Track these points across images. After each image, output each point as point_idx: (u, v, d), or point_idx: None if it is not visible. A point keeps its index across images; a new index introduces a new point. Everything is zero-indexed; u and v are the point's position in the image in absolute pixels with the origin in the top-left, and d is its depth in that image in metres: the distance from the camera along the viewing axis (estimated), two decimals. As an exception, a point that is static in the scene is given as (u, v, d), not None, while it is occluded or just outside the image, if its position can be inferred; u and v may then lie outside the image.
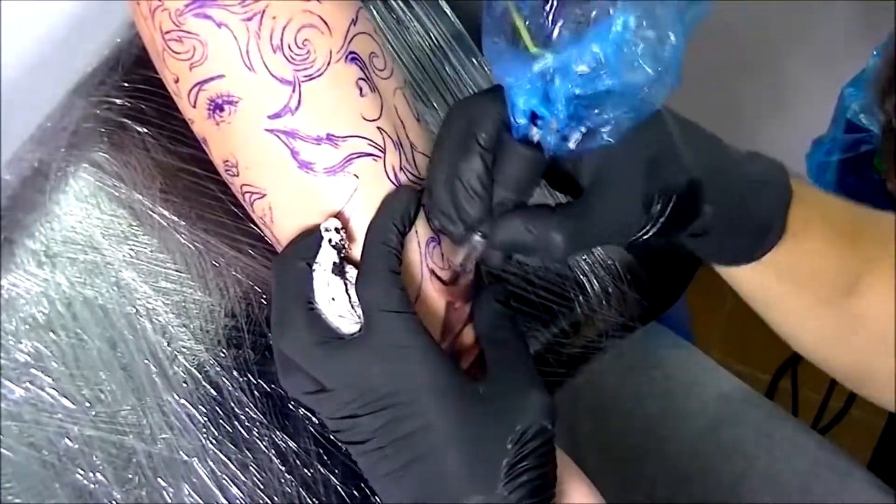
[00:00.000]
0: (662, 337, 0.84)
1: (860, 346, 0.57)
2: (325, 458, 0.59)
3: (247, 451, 0.58)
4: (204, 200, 0.59)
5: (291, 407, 0.59)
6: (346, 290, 0.47)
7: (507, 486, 0.44)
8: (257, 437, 0.58)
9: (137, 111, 0.60)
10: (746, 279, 0.55)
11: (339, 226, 0.48)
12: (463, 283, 0.51)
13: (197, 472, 0.58)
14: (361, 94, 0.49)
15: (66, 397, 0.58)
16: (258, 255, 0.59)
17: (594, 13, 0.40)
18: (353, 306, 0.47)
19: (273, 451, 0.58)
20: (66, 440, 0.58)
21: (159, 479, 0.58)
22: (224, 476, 0.58)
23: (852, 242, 0.54)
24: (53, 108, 0.63)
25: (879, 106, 0.97)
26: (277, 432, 0.58)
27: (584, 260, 0.66)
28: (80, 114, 0.61)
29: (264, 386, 0.59)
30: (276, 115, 0.48)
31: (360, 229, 0.49)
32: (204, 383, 0.59)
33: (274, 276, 0.49)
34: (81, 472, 0.58)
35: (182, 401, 0.58)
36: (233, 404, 0.59)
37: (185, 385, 0.59)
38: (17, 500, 0.58)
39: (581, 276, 0.66)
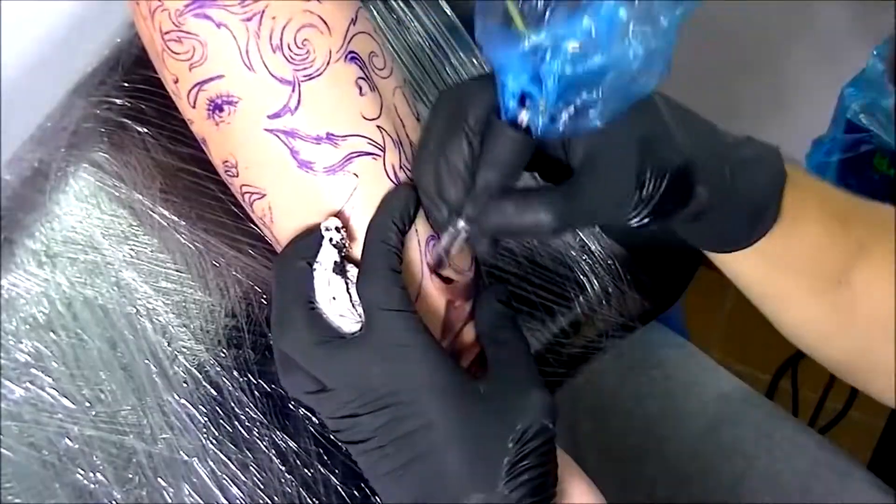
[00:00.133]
0: (662, 337, 0.84)
1: (854, 334, 0.56)
2: (326, 458, 0.59)
3: (247, 451, 0.58)
4: (204, 200, 0.59)
5: (291, 407, 0.59)
6: (347, 289, 0.47)
7: (508, 485, 0.44)
8: (257, 437, 0.58)
9: (137, 111, 0.60)
10: (742, 267, 0.55)
11: (340, 225, 0.48)
12: (463, 281, 0.51)
13: (197, 472, 0.58)
14: (361, 94, 0.49)
15: (66, 397, 0.58)
16: (258, 255, 0.59)
17: None
18: (353, 305, 0.47)
19: (273, 451, 0.58)
20: (67, 440, 0.58)
21: (159, 479, 0.58)
22: (224, 476, 0.58)
23: (846, 228, 0.54)
24: (53, 108, 0.63)
25: (893, 83, 0.97)
26: (277, 432, 0.58)
27: (585, 260, 0.66)
28: (80, 114, 0.61)
29: (264, 386, 0.59)
30: (276, 115, 0.48)
31: (360, 228, 0.49)
32: (204, 383, 0.59)
33: (274, 275, 0.49)
34: (82, 472, 0.58)
35: (182, 401, 0.58)
36: (233, 404, 0.59)
37: (185, 385, 0.59)
38: (17, 500, 0.58)
39: (581, 276, 0.66)
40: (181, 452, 0.58)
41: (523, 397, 0.46)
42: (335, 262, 0.47)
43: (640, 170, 0.45)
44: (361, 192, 0.49)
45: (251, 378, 0.59)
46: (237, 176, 0.51)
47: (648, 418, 0.79)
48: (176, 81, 0.50)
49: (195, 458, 0.58)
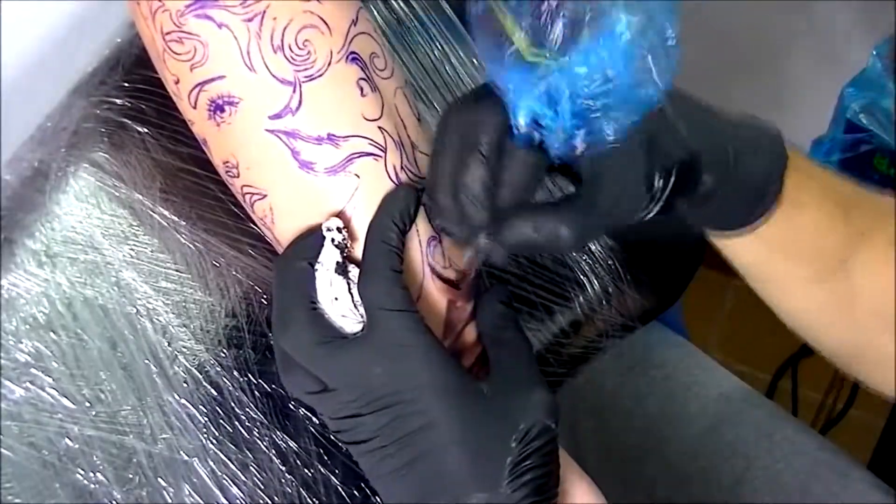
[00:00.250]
0: (662, 337, 0.84)
1: (854, 324, 0.57)
2: (326, 458, 0.59)
3: (247, 451, 0.58)
4: (204, 200, 0.59)
5: (292, 407, 0.59)
6: (349, 289, 0.47)
7: (511, 485, 0.44)
8: (258, 437, 0.58)
9: (138, 111, 0.60)
10: (743, 252, 0.55)
11: (341, 225, 0.48)
12: (464, 281, 0.51)
13: (197, 472, 0.58)
14: (362, 94, 0.49)
15: (66, 397, 0.58)
16: (259, 256, 0.59)
17: (591, 13, 0.40)
18: (355, 305, 0.47)
19: (273, 451, 0.58)
20: (67, 440, 0.58)
21: (160, 479, 0.58)
22: (224, 476, 0.58)
23: (847, 215, 0.54)
24: (53, 108, 0.63)
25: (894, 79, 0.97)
26: (278, 432, 0.58)
27: (585, 260, 0.66)
28: (81, 114, 0.61)
29: (265, 386, 0.59)
30: (277, 116, 0.48)
31: (361, 229, 0.49)
32: (204, 383, 0.59)
33: (275, 275, 0.49)
34: (82, 472, 0.58)
35: (182, 401, 0.58)
36: (233, 404, 0.59)
37: (185, 385, 0.59)
38: (17, 500, 0.58)
39: (581, 276, 0.66)
40: (181, 452, 0.58)
41: (526, 397, 0.46)
42: (337, 263, 0.47)
43: (648, 171, 0.45)
44: (362, 192, 0.49)
45: (251, 378, 0.59)
46: (238, 176, 0.51)
47: (648, 418, 0.79)
48: (177, 82, 0.50)
49: (195, 458, 0.58)
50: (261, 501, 0.58)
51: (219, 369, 0.59)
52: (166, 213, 0.59)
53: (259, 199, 0.51)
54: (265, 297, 0.59)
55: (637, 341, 0.72)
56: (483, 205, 0.45)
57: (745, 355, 1.39)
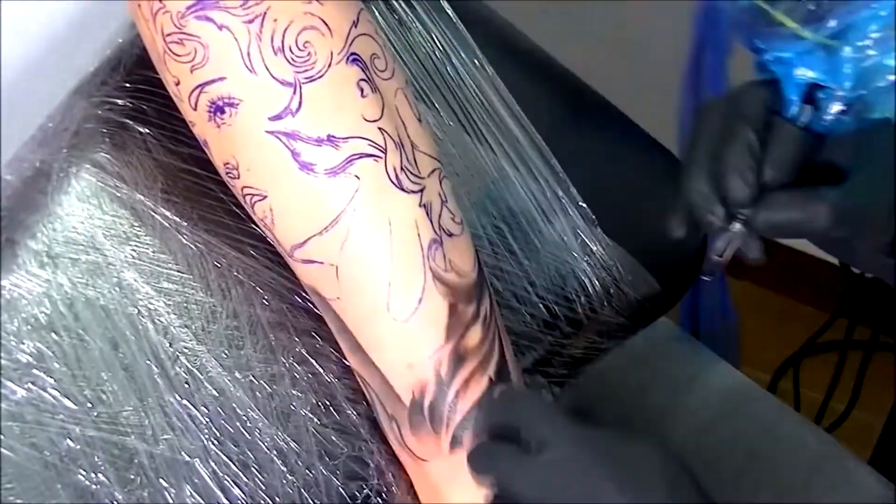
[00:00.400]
0: (664, 330, 0.84)
1: None
2: (327, 458, 0.59)
3: (248, 452, 0.58)
4: (206, 201, 0.59)
5: (293, 407, 0.59)
6: None
7: None
8: (259, 438, 0.58)
9: (139, 111, 0.60)
10: None
11: None
12: (466, 284, 0.51)
13: (199, 473, 0.58)
14: (363, 95, 0.49)
15: (67, 398, 0.58)
16: (260, 256, 0.59)
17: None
18: None
19: (275, 452, 0.58)
20: (68, 441, 0.58)
21: (161, 480, 0.58)
22: (226, 476, 0.58)
23: None
24: (55, 109, 0.63)
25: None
26: (279, 433, 0.58)
27: (586, 260, 0.66)
28: (82, 114, 0.61)
29: (266, 387, 0.59)
30: (277, 117, 0.48)
31: (361, 229, 0.49)
32: (206, 384, 0.59)
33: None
34: (83, 473, 0.58)
35: (184, 401, 0.58)
36: (234, 405, 0.59)
37: (186, 386, 0.59)
38: (18, 501, 0.58)
39: (582, 277, 0.66)
40: (183, 453, 0.58)
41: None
42: None
43: None
44: (363, 194, 0.49)
45: (253, 379, 0.59)
46: (238, 178, 0.51)
47: (650, 411, 0.79)
48: (177, 83, 0.50)
49: (197, 459, 0.58)
50: (262, 502, 0.58)
51: (220, 370, 0.59)
52: (168, 213, 0.59)
53: (259, 200, 0.51)
54: (266, 297, 0.59)
55: (640, 335, 0.72)
56: (748, 180, 0.45)
57: (745, 355, 1.39)
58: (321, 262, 0.50)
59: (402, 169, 0.50)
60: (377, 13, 0.64)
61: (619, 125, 0.73)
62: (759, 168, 0.45)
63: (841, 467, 0.73)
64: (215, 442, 0.58)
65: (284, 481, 0.58)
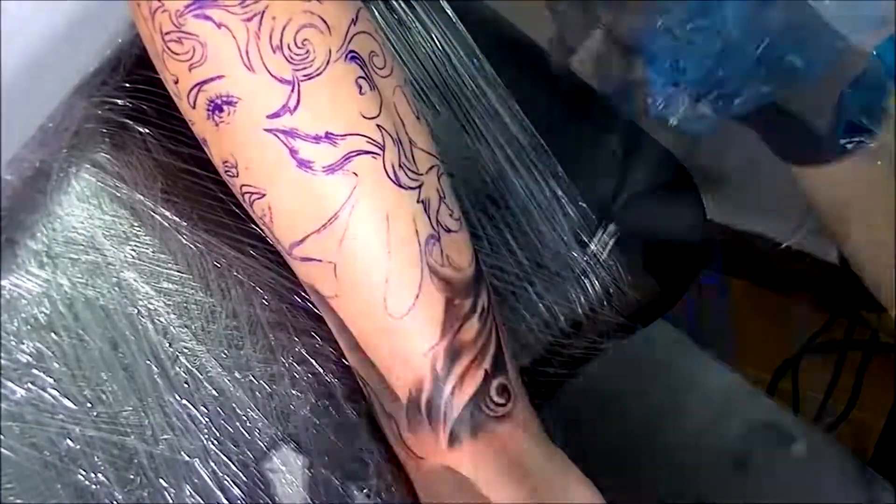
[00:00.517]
0: (664, 334, 0.84)
1: None
2: (327, 458, 0.59)
3: (248, 452, 0.58)
4: (205, 201, 0.59)
5: (293, 407, 0.59)
6: None
7: None
8: (258, 438, 0.58)
9: (139, 111, 0.60)
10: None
11: None
12: (462, 278, 0.51)
13: (198, 473, 0.58)
14: (361, 93, 0.49)
15: (67, 398, 0.58)
16: (260, 256, 0.59)
17: None
18: None
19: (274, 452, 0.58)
20: (68, 441, 0.58)
21: (161, 480, 0.58)
22: (225, 476, 0.58)
23: None
24: (54, 109, 0.63)
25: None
26: (279, 433, 0.58)
27: (585, 260, 0.66)
28: (82, 114, 0.61)
29: (266, 387, 0.59)
30: (275, 115, 0.48)
31: (361, 227, 0.49)
32: (205, 384, 0.59)
33: None
34: (83, 473, 0.58)
35: (184, 401, 0.58)
36: (234, 405, 0.59)
37: (186, 385, 0.59)
38: (17, 501, 0.58)
39: (582, 276, 0.66)
40: (182, 453, 0.58)
41: None
42: None
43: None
44: (361, 190, 0.49)
45: (253, 379, 0.59)
46: (237, 176, 0.51)
47: (648, 414, 0.79)
48: (176, 82, 0.50)
49: (196, 459, 0.58)
50: (261, 502, 0.58)
51: (220, 370, 0.59)
52: (167, 213, 0.59)
53: (258, 199, 0.51)
54: (266, 297, 0.59)
55: (638, 339, 0.72)
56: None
57: (745, 355, 1.39)
58: (320, 260, 0.50)
59: (400, 166, 0.50)
60: (376, 13, 0.64)
61: (619, 125, 0.73)
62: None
63: (840, 469, 0.73)
64: (215, 442, 0.58)
65: (284, 481, 0.58)
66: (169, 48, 0.49)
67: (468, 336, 0.52)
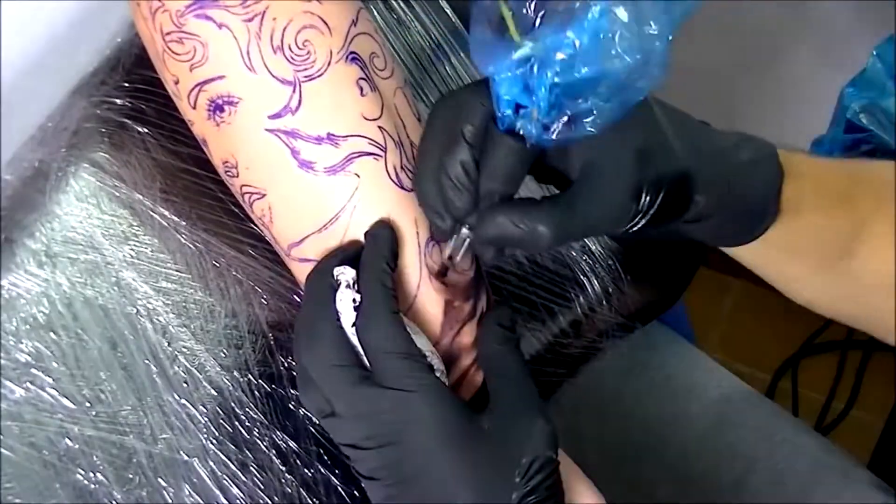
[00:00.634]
0: (663, 337, 0.84)
1: (859, 299, 0.57)
2: (326, 458, 0.59)
3: (247, 452, 0.58)
4: (204, 201, 0.59)
5: (292, 407, 0.59)
6: None
7: None
8: (258, 438, 0.58)
9: (138, 111, 0.60)
10: (747, 255, 0.55)
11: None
12: (462, 281, 0.51)
13: (197, 473, 0.58)
14: (362, 94, 0.49)
15: (66, 397, 0.58)
16: (258, 256, 0.59)
17: (577, 4, 0.40)
18: None
19: (273, 452, 0.58)
20: (67, 440, 0.58)
21: (160, 480, 0.58)
22: (224, 476, 0.58)
23: (846, 206, 0.54)
24: (54, 109, 0.63)
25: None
26: (278, 432, 0.58)
27: (585, 260, 0.66)
28: (81, 114, 0.61)
29: (265, 386, 0.59)
30: (277, 116, 0.48)
31: (360, 228, 0.49)
32: (204, 383, 0.59)
33: (306, 287, 0.48)
34: (82, 472, 0.58)
35: (182, 401, 0.58)
36: (233, 404, 0.59)
37: (185, 385, 0.59)
38: (17, 500, 0.58)
39: (581, 276, 0.66)
40: (181, 452, 0.58)
41: (527, 429, 0.46)
42: (354, 300, 0.47)
43: (636, 183, 0.45)
44: (362, 192, 0.49)
45: (251, 378, 0.59)
46: (237, 176, 0.51)
47: (649, 419, 0.79)
48: (176, 82, 0.50)
49: (195, 459, 0.58)
50: (261, 502, 0.58)
51: (219, 369, 0.59)
52: (166, 213, 0.59)
53: (258, 199, 0.51)
54: (265, 297, 0.59)
55: (638, 342, 0.72)
56: (466, 189, 0.45)
57: (745, 355, 1.39)
58: (318, 261, 0.50)
59: (401, 167, 0.50)
60: (376, 13, 0.64)
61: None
62: (478, 179, 0.45)
63: (840, 473, 0.73)
64: (214, 441, 0.58)
65: (283, 481, 0.58)
66: (170, 48, 0.49)
67: (467, 339, 0.52)
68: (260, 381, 0.59)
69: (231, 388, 0.59)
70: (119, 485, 0.58)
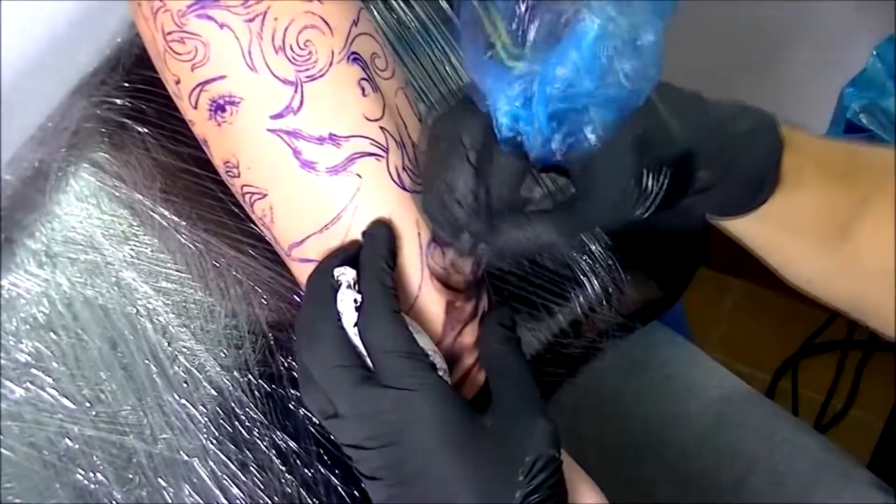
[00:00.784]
0: (663, 337, 0.84)
1: (858, 281, 0.56)
2: (326, 458, 0.59)
3: (247, 452, 0.58)
4: (204, 201, 0.59)
5: (292, 407, 0.59)
6: None
7: None
8: (258, 438, 0.58)
9: (138, 111, 0.60)
10: (744, 229, 0.55)
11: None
12: (463, 281, 0.51)
13: (197, 473, 0.58)
14: (363, 94, 0.49)
15: (66, 397, 0.58)
16: (259, 256, 0.59)
17: (568, 14, 0.40)
18: None
19: (273, 452, 0.58)
20: (67, 440, 0.58)
21: (160, 480, 0.58)
22: (224, 476, 0.58)
23: (846, 184, 0.54)
24: (54, 109, 0.63)
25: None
26: (278, 432, 0.58)
27: (584, 260, 0.66)
28: (81, 114, 0.61)
29: (265, 386, 0.59)
30: (278, 116, 0.48)
31: (361, 227, 0.49)
32: (204, 383, 0.59)
33: (307, 287, 0.48)
34: (82, 472, 0.58)
35: (182, 401, 0.58)
36: (233, 404, 0.59)
37: (185, 385, 0.59)
38: (17, 500, 0.58)
39: (581, 276, 0.66)
40: (181, 452, 0.58)
41: (529, 428, 0.46)
42: (355, 300, 0.47)
43: (637, 171, 0.45)
44: (364, 192, 0.49)
45: (251, 378, 0.59)
46: (238, 176, 0.51)
47: (649, 419, 0.79)
48: (178, 82, 0.50)
49: (195, 459, 0.58)
50: (261, 502, 0.58)
51: (219, 369, 0.59)
52: (166, 213, 0.59)
53: (259, 199, 0.51)
54: (265, 297, 0.59)
55: (638, 341, 0.71)
56: (472, 208, 0.45)
57: (745, 355, 1.39)
58: (319, 261, 0.50)
59: (403, 168, 0.50)
60: (376, 13, 0.64)
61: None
62: (482, 190, 0.45)
63: (840, 473, 0.73)
64: (214, 441, 0.58)
65: (283, 481, 0.58)
66: (171, 48, 0.49)
67: (469, 339, 0.52)
68: (260, 381, 0.59)
69: (231, 388, 0.59)
70: (119, 485, 0.58)
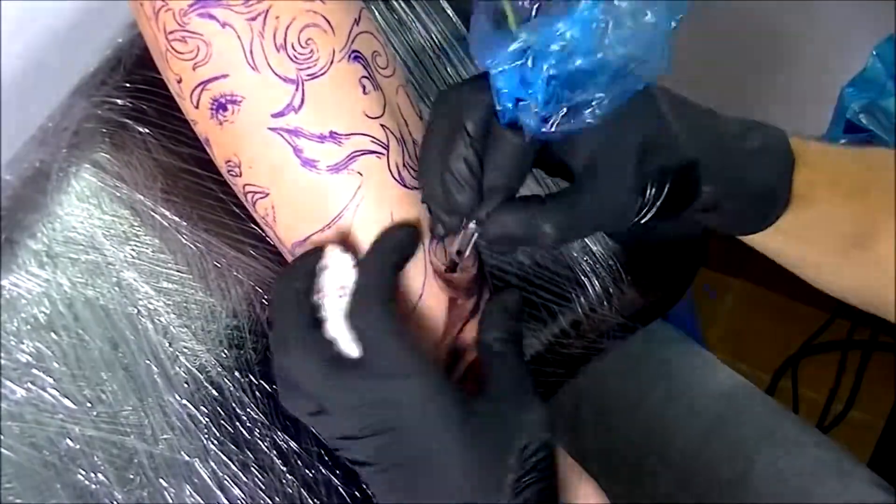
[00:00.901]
0: (665, 334, 0.84)
1: (878, 286, 0.56)
2: (327, 458, 0.59)
3: (248, 452, 0.58)
4: (206, 201, 0.59)
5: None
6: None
7: (514, 502, 0.44)
8: (259, 438, 0.58)
9: (139, 111, 0.60)
10: (759, 242, 0.55)
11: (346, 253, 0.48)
12: (465, 278, 0.51)
13: (198, 473, 0.58)
14: (364, 92, 0.49)
15: (67, 398, 0.58)
16: (260, 256, 0.59)
17: None
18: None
19: (275, 452, 0.58)
20: (68, 440, 0.58)
21: (161, 480, 0.58)
22: (225, 476, 0.58)
23: (861, 198, 0.54)
24: (55, 109, 0.63)
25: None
26: (279, 433, 0.58)
27: (585, 260, 0.66)
28: (82, 114, 0.61)
29: (266, 386, 0.59)
30: (280, 114, 0.48)
31: (363, 227, 0.49)
32: (205, 384, 0.59)
33: (274, 295, 0.48)
34: (83, 473, 0.58)
35: (183, 401, 0.58)
36: (234, 405, 0.59)
37: (186, 385, 0.59)
38: (17, 501, 0.58)
39: (582, 276, 0.66)
40: (182, 453, 0.58)
41: (522, 412, 0.46)
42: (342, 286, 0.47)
43: (639, 177, 0.45)
44: (365, 190, 0.49)
45: (252, 379, 0.59)
46: (240, 175, 0.51)
47: (650, 416, 0.79)
48: (179, 81, 0.50)
49: (196, 459, 0.58)
50: (262, 502, 0.58)
51: (220, 370, 0.59)
52: (167, 213, 0.59)
53: (261, 198, 0.51)
54: (266, 297, 0.59)
55: (639, 339, 0.72)
56: (469, 185, 0.45)
57: (744, 355, 1.39)
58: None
59: (404, 165, 0.50)
60: (377, 13, 0.64)
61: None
62: (481, 175, 0.45)
63: (841, 471, 0.73)
64: (215, 442, 0.58)
65: (284, 481, 0.58)
66: (172, 47, 0.49)
67: (470, 336, 0.52)
68: (261, 381, 0.59)
69: (232, 388, 0.59)
70: (120, 485, 0.58)
